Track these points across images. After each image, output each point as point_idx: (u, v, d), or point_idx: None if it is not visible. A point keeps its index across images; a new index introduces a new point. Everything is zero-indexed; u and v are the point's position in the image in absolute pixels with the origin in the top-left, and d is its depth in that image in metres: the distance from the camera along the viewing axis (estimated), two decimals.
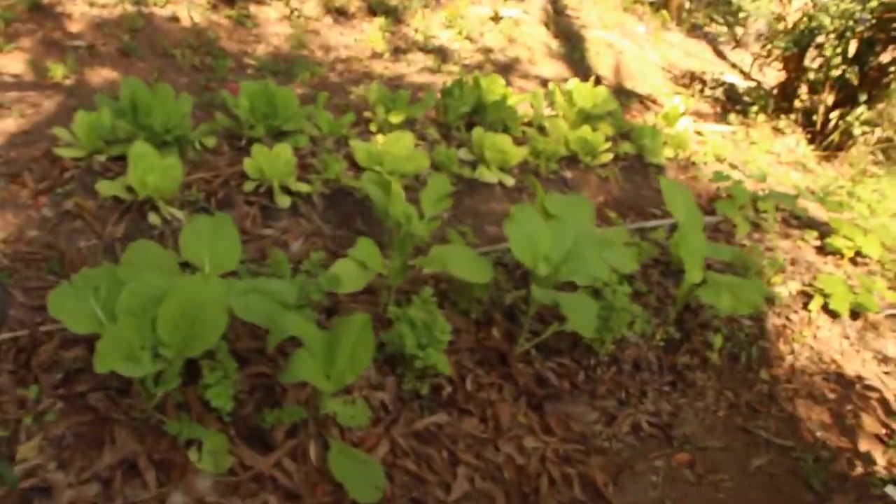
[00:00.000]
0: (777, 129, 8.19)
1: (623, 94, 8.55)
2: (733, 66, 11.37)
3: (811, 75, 8.10)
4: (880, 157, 8.35)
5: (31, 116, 5.15)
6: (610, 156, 6.12)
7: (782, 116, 8.22)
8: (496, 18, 9.41)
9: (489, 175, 5.46)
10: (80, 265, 3.94)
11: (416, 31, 8.72)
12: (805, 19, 7.89)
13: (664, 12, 12.32)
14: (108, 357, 2.50)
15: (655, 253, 5.05)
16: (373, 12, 8.77)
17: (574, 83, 6.63)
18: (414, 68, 7.96)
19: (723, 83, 9.92)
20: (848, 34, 7.40)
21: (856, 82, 7.73)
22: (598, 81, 8.81)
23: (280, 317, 2.90)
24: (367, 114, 5.93)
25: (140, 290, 2.63)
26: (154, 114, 4.65)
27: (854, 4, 7.28)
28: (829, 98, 7.94)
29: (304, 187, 4.69)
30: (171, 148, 4.71)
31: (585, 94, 6.41)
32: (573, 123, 6.41)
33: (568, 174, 5.96)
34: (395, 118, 5.55)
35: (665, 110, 7.22)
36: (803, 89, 8.29)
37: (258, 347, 3.41)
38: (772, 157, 7.61)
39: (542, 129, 6.36)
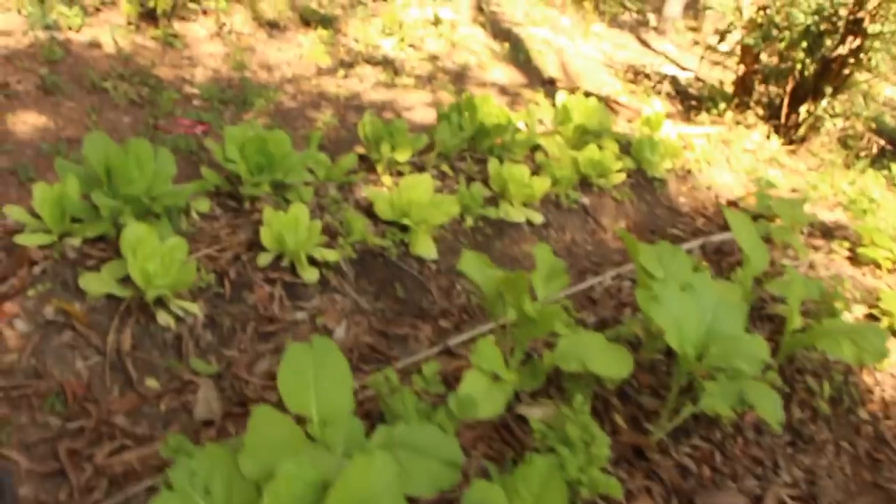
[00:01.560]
0: (741, 124, 7.95)
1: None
2: (664, 55, 11.17)
3: (770, 69, 7.90)
4: (833, 145, 8.30)
5: None
6: (622, 176, 5.63)
7: (747, 111, 7.99)
8: (435, 22, 8.73)
9: (515, 213, 4.85)
10: (91, 396, 3.08)
11: (357, 40, 7.94)
12: (764, 13, 7.65)
13: (586, 3, 12.01)
14: None
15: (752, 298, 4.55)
16: (306, 23, 7.93)
17: (565, 97, 6.10)
18: (367, 84, 7.20)
19: (664, 76, 9.67)
20: (813, 29, 7.21)
21: (817, 75, 7.59)
22: (552, 83, 8.38)
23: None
24: (358, 149, 5.17)
25: (283, 492, 1.86)
26: (135, 181, 3.76)
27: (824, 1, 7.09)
28: (790, 91, 7.76)
29: (330, 255, 3.93)
30: (161, 221, 3.83)
31: (581, 109, 5.88)
32: (571, 141, 5.87)
33: (585, 200, 5.42)
34: (401, 155, 4.83)
35: (646, 115, 6.79)
36: (759, 82, 8.09)
37: None
38: (749, 154, 7.35)
39: (538, 149, 5.78)
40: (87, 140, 3.89)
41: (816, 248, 5.59)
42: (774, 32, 7.35)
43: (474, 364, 2.84)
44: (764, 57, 7.94)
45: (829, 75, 7.56)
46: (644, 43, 11.56)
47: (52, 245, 3.62)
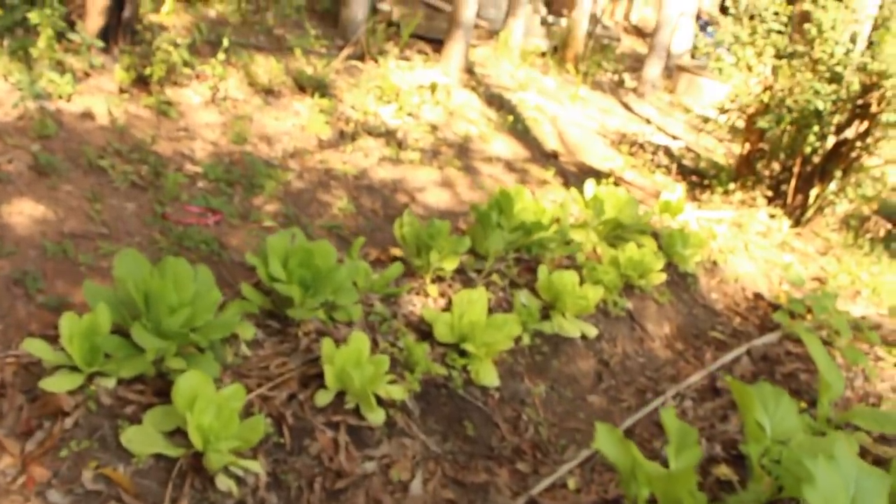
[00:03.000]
0: (746, 203, 7.82)
1: (585, 173, 7.85)
2: (648, 121, 11.08)
3: (776, 148, 7.82)
4: (836, 226, 8.25)
5: None
6: (663, 276, 5.35)
7: (751, 191, 7.86)
8: (432, 89, 8.41)
9: (570, 327, 4.51)
10: None
11: (354, 108, 7.55)
12: (771, 94, 7.57)
13: (570, 66, 11.89)
14: None
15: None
16: (301, 88, 7.51)
17: (594, 187, 5.80)
18: (373, 159, 6.80)
19: (657, 146, 9.55)
20: (824, 112, 7.14)
21: (825, 157, 7.53)
22: (555, 156, 8.14)
23: None
24: (394, 250, 4.77)
25: None
26: (176, 310, 3.27)
27: (836, 87, 7.03)
28: (797, 172, 7.68)
29: (396, 392, 3.50)
30: (206, 356, 3.35)
31: (613, 202, 5.60)
32: (603, 235, 5.57)
33: (629, 304, 5.11)
34: (449, 264, 4.44)
35: (666, 200, 6.56)
36: (766, 162, 8.00)
37: None
38: (762, 238, 7.20)
39: (570, 243, 5.46)
40: (117, 260, 3.42)
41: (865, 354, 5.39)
42: (784, 113, 7.25)
43: None
44: (769, 135, 7.84)
45: (838, 158, 7.50)
46: (626, 106, 11.47)
47: (83, 388, 3.11)
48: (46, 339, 3.20)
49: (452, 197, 6.57)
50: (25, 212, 4.45)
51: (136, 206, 4.93)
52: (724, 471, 3.65)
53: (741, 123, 8.50)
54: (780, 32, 7.52)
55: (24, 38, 5.81)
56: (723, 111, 8.40)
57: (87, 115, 5.61)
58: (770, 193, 7.84)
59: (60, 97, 5.59)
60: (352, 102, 7.63)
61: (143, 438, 2.96)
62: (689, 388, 4.54)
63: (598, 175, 7.59)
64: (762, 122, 7.37)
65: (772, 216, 7.66)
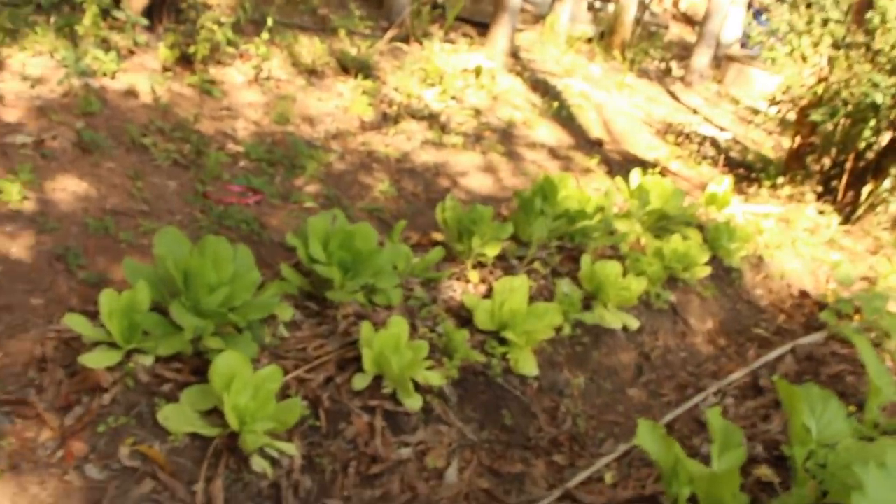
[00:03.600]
0: (794, 198, 7.62)
1: (629, 162, 7.72)
2: (695, 111, 10.86)
3: (828, 143, 7.59)
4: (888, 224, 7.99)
5: (2, 283, 3.57)
6: (708, 269, 5.23)
7: (800, 186, 7.66)
8: (477, 73, 8.32)
9: (611, 319, 4.42)
10: None
11: (398, 90, 7.48)
12: (826, 86, 7.34)
13: (616, 53, 11.69)
14: None
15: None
16: (344, 70, 7.47)
17: (639, 176, 5.68)
18: (415, 142, 6.74)
19: (704, 137, 9.35)
20: (884, 109, 6.90)
21: (880, 153, 7.30)
22: (599, 144, 8.00)
23: None
24: (436, 235, 4.71)
25: None
26: (216, 290, 3.25)
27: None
28: (850, 168, 7.45)
29: (434, 378, 3.45)
30: (244, 336, 3.33)
31: (659, 192, 5.48)
32: (648, 226, 5.46)
33: (672, 297, 5.00)
34: (491, 251, 4.37)
35: (712, 192, 6.40)
36: (817, 157, 7.78)
37: None
38: (810, 235, 7.00)
39: (613, 235, 5.35)
40: (157, 238, 3.40)
41: None
42: (839, 106, 7.02)
43: None
44: (822, 129, 7.61)
45: (894, 154, 7.25)
46: (673, 96, 11.25)
47: (121, 364, 3.10)
48: (86, 314, 3.21)
49: (495, 182, 6.50)
50: (69, 188, 4.48)
51: (177, 185, 4.94)
52: (764, 472, 3.54)
53: (792, 116, 8.27)
54: (838, 21, 7.28)
55: (70, 16, 5.85)
56: (773, 103, 8.18)
57: (131, 93, 5.63)
58: (820, 189, 7.62)
59: (105, 74, 5.62)
60: (395, 85, 7.57)
61: (180, 417, 2.95)
62: (731, 385, 4.42)
63: (643, 164, 7.45)
64: (815, 115, 7.16)
65: (821, 212, 7.45)
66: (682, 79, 12.28)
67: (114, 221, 4.27)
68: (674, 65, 12.98)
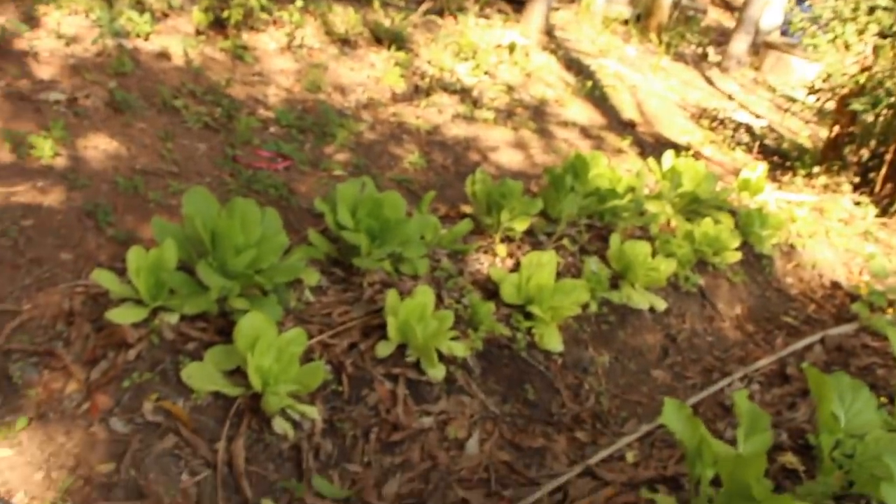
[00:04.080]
0: (830, 188, 7.47)
1: (662, 145, 7.61)
2: (731, 97, 10.69)
3: (868, 134, 7.43)
4: None
5: (32, 236, 3.58)
6: (738, 255, 5.14)
7: (837, 176, 7.51)
8: (511, 49, 8.23)
9: (638, 299, 4.36)
10: None
11: (430, 63, 7.42)
12: (869, 75, 7.17)
13: (652, 35, 11.52)
14: None
15: None
16: (377, 40, 7.42)
17: (671, 159, 5.59)
18: (447, 115, 6.68)
19: (739, 124, 9.20)
20: None
21: None
22: (632, 125, 7.90)
23: None
24: (464, 207, 4.68)
25: None
26: (242, 251, 3.23)
27: None
28: (890, 159, 7.29)
29: (458, 348, 3.43)
30: (269, 299, 3.32)
31: (691, 175, 5.39)
32: (679, 208, 5.37)
33: (701, 281, 4.92)
34: (520, 225, 4.33)
35: (746, 178, 6.29)
36: (855, 147, 7.61)
37: None
38: (844, 226, 6.87)
39: (643, 216, 5.27)
40: (186, 197, 3.39)
41: None
42: (882, 96, 6.86)
43: None
44: (861, 119, 7.45)
45: None
46: (708, 81, 11.08)
47: (147, 321, 3.10)
48: (114, 271, 3.20)
49: (525, 158, 6.43)
50: (100, 147, 4.49)
51: (207, 148, 4.93)
52: (789, 459, 3.48)
53: (831, 105, 8.10)
54: (886, 9, 7.09)
55: None
56: (812, 91, 8.01)
57: (164, 55, 5.63)
58: (857, 180, 7.46)
59: (138, 36, 5.62)
60: (428, 57, 7.51)
61: (203, 375, 2.95)
62: (758, 371, 4.35)
63: (676, 147, 7.32)
64: (856, 105, 7.00)
65: (857, 204, 7.30)
66: (718, 64, 12.08)
67: (143, 181, 4.27)
68: (711, 50, 12.77)
